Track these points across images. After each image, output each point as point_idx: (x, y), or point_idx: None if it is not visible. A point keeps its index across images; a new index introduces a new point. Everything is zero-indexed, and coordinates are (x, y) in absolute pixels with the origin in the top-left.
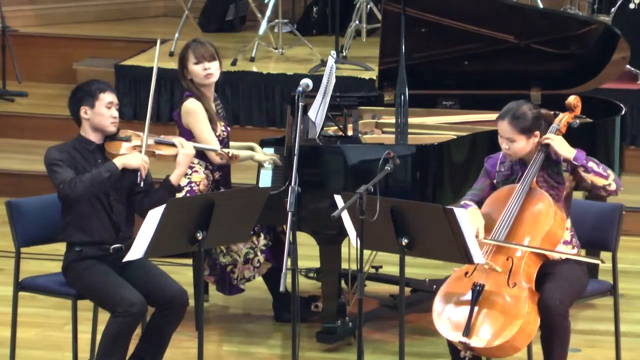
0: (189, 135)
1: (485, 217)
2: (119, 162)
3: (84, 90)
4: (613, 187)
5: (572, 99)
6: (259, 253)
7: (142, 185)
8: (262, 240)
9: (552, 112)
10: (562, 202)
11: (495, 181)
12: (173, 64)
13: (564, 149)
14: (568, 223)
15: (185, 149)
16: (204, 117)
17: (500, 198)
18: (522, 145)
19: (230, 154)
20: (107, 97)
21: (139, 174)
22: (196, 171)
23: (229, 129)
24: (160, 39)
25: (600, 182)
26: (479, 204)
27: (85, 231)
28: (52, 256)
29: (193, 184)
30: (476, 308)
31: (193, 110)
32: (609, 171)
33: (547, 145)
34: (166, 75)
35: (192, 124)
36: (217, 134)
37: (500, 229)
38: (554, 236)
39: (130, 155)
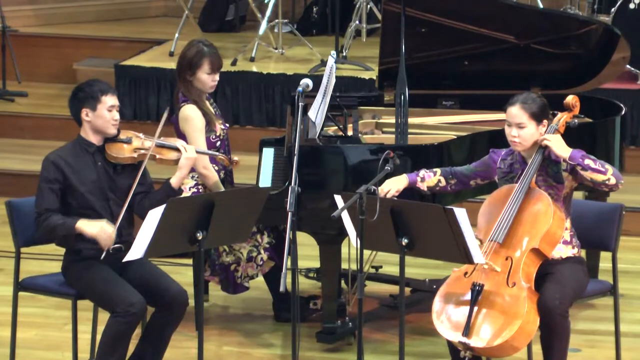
0: (185, 140)
1: (485, 218)
2: (79, 225)
3: (85, 92)
4: (613, 181)
5: (571, 99)
6: (262, 251)
7: (101, 257)
8: (266, 238)
9: (551, 112)
10: (561, 201)
11: (496, 178)
12: (173, 64)
13: (560, 149)
14: (568, 223)
15: (188, 153)
16: (200, 126)
17: (499, 198)
18: (532, 131)
19: (230, 158)
20: (109, 101)
21: (106, 250)
22: None
23: (227, 125)
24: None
25: (599, 178)
26: (457, 180)
27: (86, 240)
28: (52, 256)
29: (199, 185)
30: (476, 308)
31: (190, 118)
32: (607, 166)
33: (546, 146)
34: (166, 75)
35: (188, 131)
36: (218, 133)
37: (499, 229)
38: (553, 236)
39: (92, 223)
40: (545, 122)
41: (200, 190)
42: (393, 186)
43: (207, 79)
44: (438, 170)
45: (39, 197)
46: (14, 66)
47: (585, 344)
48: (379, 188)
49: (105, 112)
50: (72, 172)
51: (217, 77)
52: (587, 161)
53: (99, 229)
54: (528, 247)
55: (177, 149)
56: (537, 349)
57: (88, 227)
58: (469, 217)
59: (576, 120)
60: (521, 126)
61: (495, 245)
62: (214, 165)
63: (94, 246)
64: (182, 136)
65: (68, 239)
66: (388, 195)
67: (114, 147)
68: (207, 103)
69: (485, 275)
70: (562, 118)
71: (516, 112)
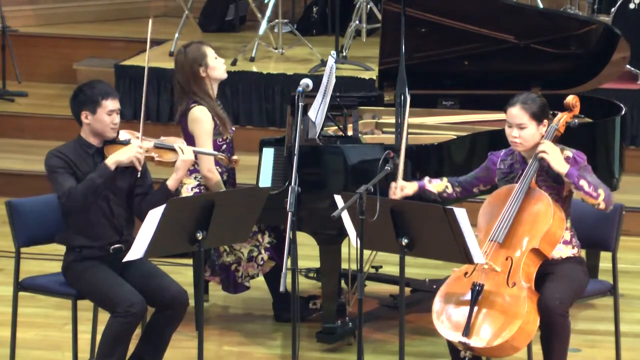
0: (193, 141)
1: (485, 218)
2: (110, 161)
3: (86, 94)
4: (602, 206)
5: (571, 99)
6: (262, 251)
7: (138, 175)
8: (267, 238)
9: (551, 112)
10: (561, 201)
11: (496, 179)
12: (173, 64)
13: (558, 164)
14: (568, 223)
15: (185, 155)
16: (209, 129)
17: (499, 198)
18: (533, 132)
19: (230, 157)
20: (110, 105)
21: (138, 170)
22: None
23: (233, 129)
24: (151, 38)
25: (589, 200)
26: (462, 187)
27: (87, 236)
28: (52, 256)
29: (202, 186)
30: (476, 308)
31: (200, 120)
32: (600, 190)
33: (542, 159)
34: (166, 75)
35: (197, 133)
36: (224, 137)
37: (499, 229)
38: (553, 236)
39: (121, 151)
40: (545, 122)
41: (202, 191)
42: (404, 186)
43: (218, 63)
44: (445, 178)
45: (58, 183)
46: (14, 66)
47: (585, 344)
48: (391, 184)
49: (105, 117)
50: (74, 173)
51: (222, 59)
52: (582, 182)
53: (133, 153)
54: (528, 247)
55: (175, 150)
56: (537, 349)
57: (120, 157)
58: (469, 217)
59: (576, 121)
60: (522, 127)
61: (495, 245)
62: (217, 168)
63: (94, 244)
64: (190, 137)
65: (106, 183)
66: (397, 194)
67: (113, 150)
68: (219, 108)
69: (486, 275)
70: (562, 118)
71: (516, 112)
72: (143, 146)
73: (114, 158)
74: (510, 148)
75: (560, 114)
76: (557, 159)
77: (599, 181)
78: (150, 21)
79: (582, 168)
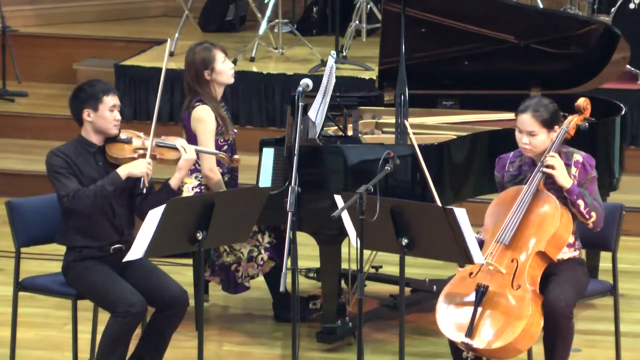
0: (196, 139)
1: (492, 219)
2: (122, 172)
3: (87, 92)
4: (590, 226)
5: (582, 101)
6: (262, 251)
7: (144, 191)
8: (267, 238)
9: (562, 114)
10: (569, 205)
11: (504, 181)
12: (173, 64)
13: (562, 179)
14: (573, 226)
15: (187, 154)
16: (212, 128)
17: (507, 199)
18: (543, 138)
19: (231, 157)
20: (111, 100)
21: (142, 180)
22: None
23: (235, 130)
24: (169, 39)
25: (579, 218)
26: None
27: (87, 236)
28: (52, 256)
29: (203, 186)
30: (480, 309)
31: (203, 119)
32: (593, 213)
33: (548, 166)
34: (167, 75)
35: (199, 132)
36: (226, 137)
37: (506, 231)
38: (560, 239)
39: (133, 163)
40: (556, 127)
41: (203, 191)
42: None
43: (226, 67)
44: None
45: (61, 184)
46: (14, 66)
47: (585, 344)
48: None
49: (107, 113)
50: (76, 169)
51: (231, 64)
52: (580, 201)
53: (145, 168)
54: (534, 250)
55: (177, 149)
56: (537, 349)
57: (133, 169)
58: (469, 217)
59: (587, 124)
60: (532, 134)
61: (501, 247)
62: (219, 168)
63: (94, 244)
64: (193, 135)
65: (115, 191)
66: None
67: (114, 148)
68: (222, 109)
69: (490, 276)
70: (572, 121)
71: (527, 119)
72: (145, 145)
73: (127, 170)
74: (519, 149)
75: (570, 117)
76: (562, 174)
77: (596, 204)
78: (175, 36)
79: (589, 181)
